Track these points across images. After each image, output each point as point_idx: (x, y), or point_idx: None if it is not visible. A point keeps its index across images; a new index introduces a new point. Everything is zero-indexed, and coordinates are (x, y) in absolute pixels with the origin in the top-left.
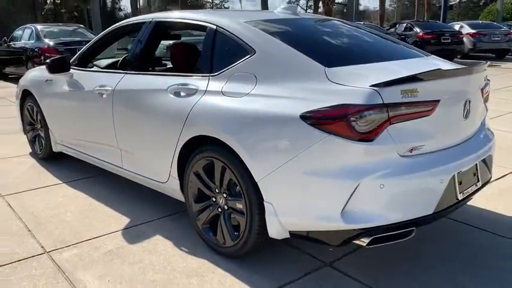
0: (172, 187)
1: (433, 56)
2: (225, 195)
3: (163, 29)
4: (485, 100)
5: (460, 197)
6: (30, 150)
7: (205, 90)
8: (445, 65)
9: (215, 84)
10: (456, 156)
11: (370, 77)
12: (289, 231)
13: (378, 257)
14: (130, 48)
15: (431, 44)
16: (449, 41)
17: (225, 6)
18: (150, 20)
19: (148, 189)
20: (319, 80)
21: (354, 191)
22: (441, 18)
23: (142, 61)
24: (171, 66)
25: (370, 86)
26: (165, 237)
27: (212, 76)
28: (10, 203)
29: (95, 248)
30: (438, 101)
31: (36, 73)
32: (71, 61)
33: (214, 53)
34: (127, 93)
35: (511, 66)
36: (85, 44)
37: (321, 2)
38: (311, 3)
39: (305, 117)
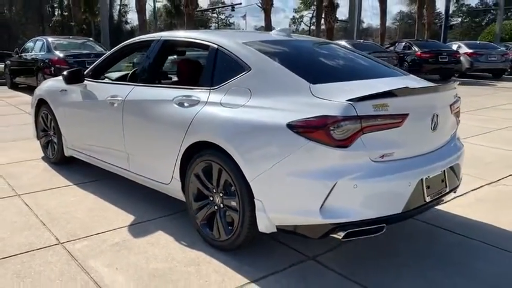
0: (174, 188)
1: (411, 75)
2: (221, 194)
3: (170, 47)
4: (456, 115)
5: (428, 199)
6: (42, 155)
7: (206, 102)
8: (417, 83)
9: (215, 97)
10: (424, 163)
11: (348, 92)
12: (276, 226)
13: (358, 253)
14: (139, 63)
15: (429, 63)
16: (447, 60)
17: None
18: (159, 38)
19: (152, 190)
20: (304, 95)
21: (331, 190)
22: (441, 38)
23: (151, 75)
24: (177, 79)
25: (347, 100)
26: (167, 233)
27: (213, 89)
28: (26, 201)
29: (103, 241)
30: (407, 114)
31: (51, 83)
32: (84, 73)
33: (215, 69)
34: (136, 103)
35: (507, 86)
36: (93, 57)
37: (323, 20)
38: (314, 20)
39: (291, 126)
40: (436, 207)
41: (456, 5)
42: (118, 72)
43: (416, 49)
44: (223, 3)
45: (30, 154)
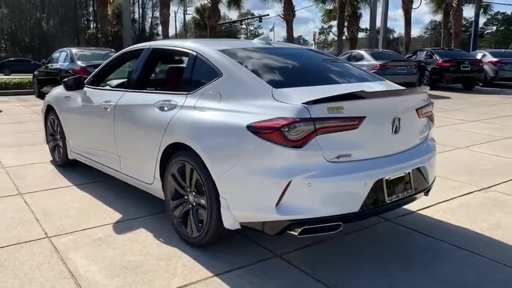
0: (156, 187)
1: (386, 81)
2: (193, 193)
3: (158, 55)
4: (430, 119)
5: (389, 200)
6: (51, 158)
7: (182, 106)
8: (384, 88)
9: (190, 101)
10: (384, 164)
11: (307, 96)
12: (240, 223)
13: (325, 253)
14: (131, 70)
15: (450, 72)
16: (469, 69)
17: (259, 32)
18: (148, 47)
19: (142, 191)
20: (266, 98)
21: (286, 188)
22: (471, 46)
23: (139, 81)
24: (164, 85)
25: (302, 103)
26: (148, 230)
27: (189, 94)
28: (26, 200)
29: (87, 236)
30: (364, 117)
31: (58, 90)
32: (85, 81)
33: (193, 75)
34: (125, 107)
35: None
36: None
37: (345, 29)
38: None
39: (250, 127)
40: (420, 211)
41: (488, 13)
42: (120, 79)
43: (438, 58)
44: (252, 14)
45: (41, 157)
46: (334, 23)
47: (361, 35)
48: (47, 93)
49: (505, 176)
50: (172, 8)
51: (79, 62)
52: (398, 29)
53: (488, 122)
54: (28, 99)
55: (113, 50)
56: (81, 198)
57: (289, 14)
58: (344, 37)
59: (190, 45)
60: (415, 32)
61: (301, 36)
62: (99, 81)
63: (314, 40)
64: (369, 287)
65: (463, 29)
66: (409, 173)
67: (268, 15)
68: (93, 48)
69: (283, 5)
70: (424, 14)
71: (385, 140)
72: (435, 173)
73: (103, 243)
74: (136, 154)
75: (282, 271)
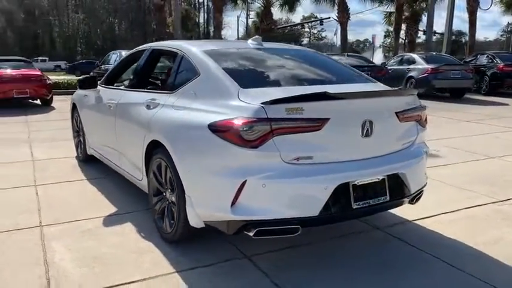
0: (145, 184)
1: (378, 83)
2: (169, 190)
3: (155, 55)
4: (420, 123)
5: (356, 206)
6: (76, 154)
7: (163, 104)
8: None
9: (171, 99)
10: (351, 168)
11: (270, 97)
12: (204, 221)
13: (296, 257)
14: (133, 70)
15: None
16: None
17: (322, 35)
18: (149, 47)
19: None
20: (231, 98)
21: (240, 187)
22: None
23: (138, 80)
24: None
25: (261, 103)
26: (135, 224)
27: (171, 93)
28: (38, 190)
29: (78, 227)
30: (327, 119)
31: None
32: (101, 81)
33: (177, 74)
34: (123, 105)
35: None
36: None
37: (403, 32)
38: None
39: (210, 126)
40: (418, 221)
41: None
42: (128, 79)
43: (499, 62)
44: (316, 17)
45: (69, 153)
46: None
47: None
48: None
49: None
50: (236, 12)
51: None
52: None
53: None
54: None
55: None
56: (87, 191)
57: (343, 16)
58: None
59: (180, 45)
60: (492, 34)
61: (367, 39)
62: (111, 80)
63: (373, 43)
64: None
65: None
66: (383, 179)
67: (329, 18)
68: None
69: (337, 7)
70: (502, 16)
71: (354, 143)
72: (423, 181)
73: (87, 235)
74: (129, 151)
75: (244, 272)
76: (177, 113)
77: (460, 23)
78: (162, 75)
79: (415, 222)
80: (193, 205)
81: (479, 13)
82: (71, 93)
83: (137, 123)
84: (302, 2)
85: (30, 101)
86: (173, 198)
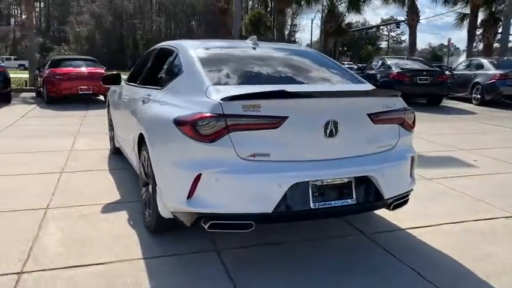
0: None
1: (366, 83)
2: (151, 181)
3: (161, 54)
4: (403, 126)
5: (315, 206)
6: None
7: (153, 99)
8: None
9: (159, 95)
10: (311, 168)
11: (234, 93)
12: (171, 212)
13: (265, 255)
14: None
15: None
16: None
17: (402, 38)
18: (158, 47)
19: None
20: (200, 94)
21: (195, 180)
22: None
23: (144, 77)
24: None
25: (220, 99)
26: (128, 213)
27: (161, 89)
28: (61, 177)
29: (78, 211)
30: (286, 117)
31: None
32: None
33: (170, 71)
34: (131, 101)
35: None
36: None
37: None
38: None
39: (174, 120)
40: (410, 230)
41: None
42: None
43: None
44: (395, 20)
45: (107, 145)
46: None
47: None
48: None
49: None
50: (311, 15)
51: None
52: None
53: None
54: None
55: None
56: (103, 180)
57: (412, 18)
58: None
59: (178, 44)
60: None
61: (453, 44)
62: (132, 77)
63: (449, 47)
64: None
65: None
66: (349, 181)
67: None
68: None
69: (406, 9)
70: None
71: (316, 143)
72: (405, 187)
73: (84, 219)
74: (130, 143)
75: (205, 264)
76: (159, 108)
77: None
78: (158, 71)
79: (407, 230)
80: (161, 196)
81: None
82: None
83: (135, 117)
84: (370, 3)
85: (94, 97)
86: (151, 189)
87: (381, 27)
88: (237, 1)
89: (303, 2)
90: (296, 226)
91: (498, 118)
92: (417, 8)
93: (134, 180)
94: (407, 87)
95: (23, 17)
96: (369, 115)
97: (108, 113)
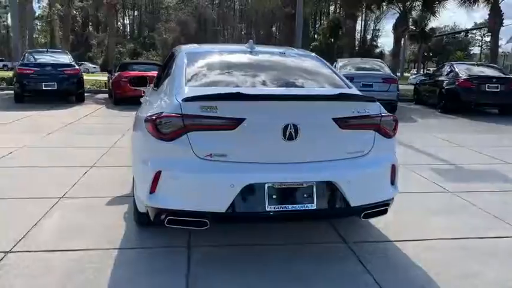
0: None
1: (352, 89)
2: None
3: (169, 57)
4: (380, 132)
5: (270, 208)
6: None
7: (149, 100)
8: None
9: (154, 95)
10: (269, 171)
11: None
12: (145, 206)
13: (232, 254)
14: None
15: None
16: None
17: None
18: (173, 51)
19: None
20: (172, 95)
21: (155, 177)
22: None
23: (157, 79)
24: None
25: (181, 100)
26: (130, 207)
27: (157, 90)
28: (89, 171)
29: (87, 202)
30: (243, 119)
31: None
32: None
33: (166, 73)
34: (146, 101)
35: None
36: None
37: None
38: None
39: (144, 119)
40: (398, 242)
41: None
42: None
43: None
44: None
45: None
46: None
47: None
48: None
49: None
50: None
51: None
52: None
53: None
54: None
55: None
56: (124, 175)
57: (495, 22)
58: None
59: (178, 47)
60: None
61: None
62: (158, 81)
63: None
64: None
65: None
66: (310, 185)
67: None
68: None
69: (488, 12)
70: None
71: (274, 146)
72: (379, 196)
73: (89, 209)
74: None
75: (170, 258)
76: (144, 107)
77: None
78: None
79: (394, 242)
80: (136, 190)
81: None
82: None
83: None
84: (446, 4)
85: None
86: None
87: (473, 31)
88: (298, 6)
89: (373, 7)
90: (279, 229)
91: None
92: (500, 11)
93: None
94: (473, 95)
95: (118, 24)
96: (335, 120)
97: None
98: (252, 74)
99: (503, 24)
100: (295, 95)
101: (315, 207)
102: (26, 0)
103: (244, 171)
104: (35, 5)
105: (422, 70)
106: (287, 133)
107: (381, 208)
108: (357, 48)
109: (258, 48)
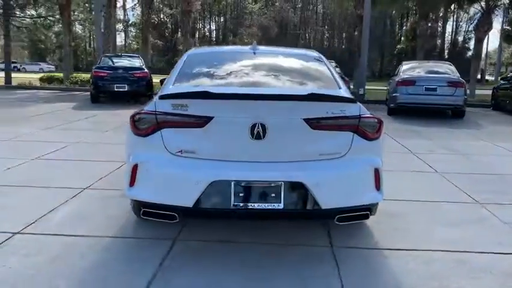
0: None
1: (340, 91)
2: None
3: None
4: (359, 133)
5: (235, 206)
6: None
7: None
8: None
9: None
10: (236, 168)
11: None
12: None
13: (212, 253)
14: None
15: None
16: None
17: None
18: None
19: None
20: (158, 94)
21: (133, 170)
22: None
23: None
24: None
25: (158, 98)
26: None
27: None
28: (118, 166)
29: (106, 193)
30: (211, 117)
31: None
32: None
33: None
34: None
35: None
36: None
37: None
38: None
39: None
40: (394, 251)
41: None
42: None
43: None
44: None
45: None
46: None
47: None
48: None
49: None
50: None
51: None
52: None
53: None
54: None
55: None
56: None
57: None
58: None
59: (189, 49)
60: None
61: None
62: None
63: None
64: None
65: None
66: (278, 185)
67: None
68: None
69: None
70: None
71: (242, 144)
72: (355, 200)
73: (102, 200)
74: None
75: (150, 250)
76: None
77: None
78: None
79: (384, 251)
80: (124, 183)
81: None
82: None
83: None
84: None
85: None
86: None
87: None
88: (366, 8)
89: (453, 6)
90: (271, 228)
91: None
92: None
93: None
94: None
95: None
96: (306, 120)
97: None
98: (240, 74)
99: None
100: (263, 95)
101: (282, 207)
102: (110, 8)
103: (211, 168)
104: (130, 13)
105: None
106: (255, 132)
107: (359, 213)
108: (446, 51)
109: (261, 49)
